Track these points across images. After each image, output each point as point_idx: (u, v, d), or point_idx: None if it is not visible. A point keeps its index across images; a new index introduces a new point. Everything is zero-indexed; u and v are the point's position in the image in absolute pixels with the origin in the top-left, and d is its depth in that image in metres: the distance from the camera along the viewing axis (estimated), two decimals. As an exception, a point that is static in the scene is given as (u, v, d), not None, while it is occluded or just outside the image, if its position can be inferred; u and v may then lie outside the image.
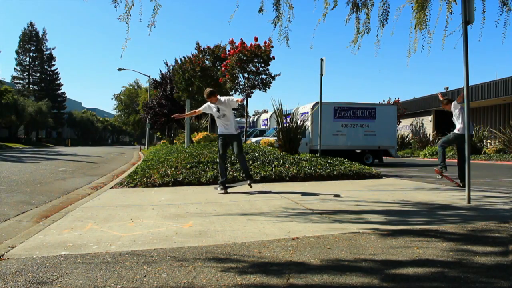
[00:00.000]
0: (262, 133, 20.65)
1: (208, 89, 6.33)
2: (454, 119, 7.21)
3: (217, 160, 6.53)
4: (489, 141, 24.69)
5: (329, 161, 9.05)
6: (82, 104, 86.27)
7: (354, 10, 6.08)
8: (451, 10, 5.52)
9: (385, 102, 31.20)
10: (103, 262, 2.64)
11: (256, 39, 15.07)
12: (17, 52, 60.92)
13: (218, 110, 6.28)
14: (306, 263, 2.59)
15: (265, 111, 40.90)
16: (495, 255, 2.78)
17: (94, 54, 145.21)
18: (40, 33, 62.98)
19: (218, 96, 6.35)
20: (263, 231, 3.51)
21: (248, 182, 6.43)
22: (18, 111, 43.97)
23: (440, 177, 7.37)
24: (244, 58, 14.92)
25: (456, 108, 7.12)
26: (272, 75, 15.64)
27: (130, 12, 4.98)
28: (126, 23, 5.02)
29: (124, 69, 35.27)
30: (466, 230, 3.55)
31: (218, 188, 6.29)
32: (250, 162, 8.29)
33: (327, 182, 7.70)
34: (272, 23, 5.96)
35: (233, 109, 6.56)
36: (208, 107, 6.44)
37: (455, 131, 7.12)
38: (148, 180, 7.16)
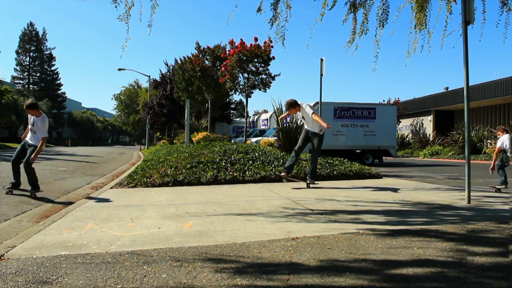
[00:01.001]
0: (262, 133, 20.67)
1: (28, 101, 6.27)
2: (310, 120, 6.94)
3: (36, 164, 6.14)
4: (489, 141, 24.68)
5: (329, 161, 9.05)
6: (82, 104, 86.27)
7: (352, 10, 6.07)
8: (451, 10, 5.52)
9: (385, 102, 31.21)
10: (103, 262, 2.64)
11: (256, 39, 15.07)
12: (17, 52, 60.92)
13: (33, 124, 6.25)
14: (306, 263, 2.59)
15: (265, 111, 40.93)
16: (495, 255, 2.78)
17: (94, 54, 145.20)
18: (40, 33, 62.98)
19: (41, 113, 6.27)
20: (263, 231, 3.51)
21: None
22: (18, 111, 43.88)
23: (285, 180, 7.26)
24: (244, 58, 14.90)
25: (308, 108, 6.91)
26: (272, 75, 15.63)
27: (130, 12, 4.99)
28: (126, 23, 5.02)
29: (124, 69, 35.28)
30: (466, 230, 3.55)
31: (6, 188, 6.17)
32: (250, 162, 8.29)
33: (327, 182, 7.69)
34: (269, 23, 5.95)
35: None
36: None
37: (317, 131, 6.91)
38: (148, 180, 7.16)
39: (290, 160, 7.10)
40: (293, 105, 7.01)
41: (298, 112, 7.09)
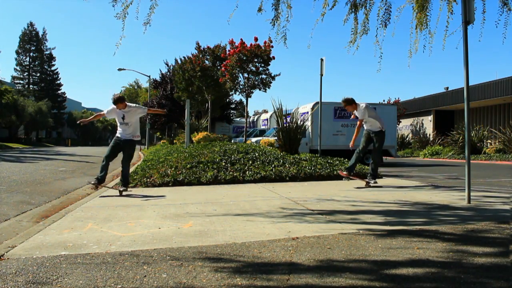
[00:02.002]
0: (262, 133, 20.65)
1: None
2: (130, 121, 6.35)
3: None
4: (489, 141, 24.69)
5: (329, 161, 9.05)
6: (82, 104, 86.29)
7: (353, 10, 6.07)
8: (452, 10, 5.52)
9: (385, 102, 31.19)
10: (103, 262, 2.64)
11: (256, 39, 15.06)
12: (17, 52, 60.98)
13: None
14: (306, 263, 2.59)
15: (265, 111, 40.85)
16: (495, 255, 2.78)
17: (94, 54, 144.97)
18: (40, 33, 63.04)
19: None
20: (263, 231, 3.51)
21: None
22: (18, 111, 43.96)
23: None
24: (244, 58, 14.90)
25: (139, 109, 6.49)
26: (272, 75, 15.63)
27: (127, 10, 4.97)
28: (122, 21, 5.00)
29: (124, 69, 35.27)
30: (466, 230, 3.54)
31: None
32: (250, 162, 8.29)
33: (327, 182, 7.69)
34: (271, 23, 5.94)
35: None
36: None
37: (131, 138, 6.45)
38: (148, 180, 7.16)
39: (101, 170, 6.33)
40: (120, 100, 6.25)
41: (123, 108, 6.31)
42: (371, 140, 7.22)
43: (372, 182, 7.15)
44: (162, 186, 6.94)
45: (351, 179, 7.45)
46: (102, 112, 6.76)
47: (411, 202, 5.21)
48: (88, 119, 7.04)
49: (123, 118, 6.31)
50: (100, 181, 6.28)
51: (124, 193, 6.09)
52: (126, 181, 6.31)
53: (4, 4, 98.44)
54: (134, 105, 6.58)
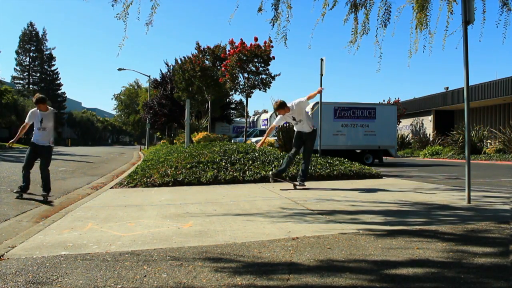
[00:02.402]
0: (262, 133, 20.66)
1: None
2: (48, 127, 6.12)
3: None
4: (489, 141, 24.68)
5: (329, 161, 9.05)
6: (82, 104, 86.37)
7: (353, 10, 6.07)
8: (452, 10, 5.52)
9: (385, 102, 31.18)
10: (103, 262, 2.64)
11: (256, 39, 15.06)
12: (17, 52, 61.00)
13: None
14: (306, 263, 2.59)
15: (265, 111, 40.83)
16: (495, 255, 2.78)
17: (94, 54, 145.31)
18: (40, 33, 63.05)
19: None
20: (263, 231, 3.51)
21: None
22: (18, 111, 43.94)
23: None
24: (244, 58, 14.90)
25: (52, 115, 6.22)
26: (272, 75, 15.63)
27: (127, 10, 4.97)
28: (124, 21, 5.00)
29: (124, 69, 35.29)
30: (466, 230, 3.54)
31: None
32: (250, 162, 8.29)
33: (327, 182, 7.69)
34: (270, 23, 5.94)
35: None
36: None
37: (49, 144, 6.13)
38: (148, 180, 7.16)
39: (23, 180, 6.13)
40: (42, 100, 6.06)
41: (44, 110, 6.12)
42: (303, 142, 6.94)
43: (300, 184, 6.75)
44: (162, 186, 6.94)
45: (278, 181, 7.09)
46: (24, 124, 6.35)
47: (411, 202, 5.21)
48: (16, 136, 6.51)
49: (41, 122, 6.08)
50: (23, 190, 6.07)
51: (48, 199, 5.87)
52: (47, 186, 6.12)
53: (4, 4, 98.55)
54: (54, 110, 6.38)
